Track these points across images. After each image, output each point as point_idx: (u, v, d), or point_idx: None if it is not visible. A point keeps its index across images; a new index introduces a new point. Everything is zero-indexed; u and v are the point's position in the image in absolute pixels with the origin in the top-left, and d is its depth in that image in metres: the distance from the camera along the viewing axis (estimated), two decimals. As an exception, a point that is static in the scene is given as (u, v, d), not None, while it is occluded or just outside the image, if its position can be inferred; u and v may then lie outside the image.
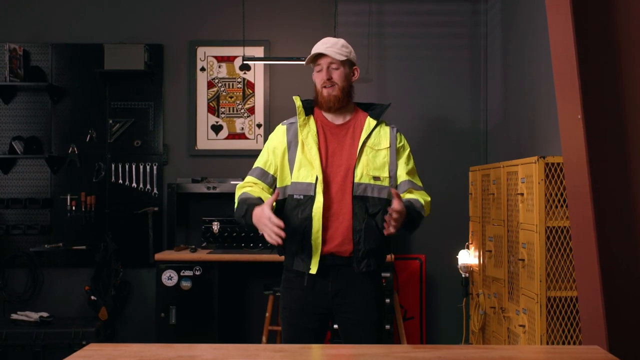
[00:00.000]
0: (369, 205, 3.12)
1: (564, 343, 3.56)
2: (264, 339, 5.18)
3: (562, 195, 3.56)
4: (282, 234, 2.88)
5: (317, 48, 3.20)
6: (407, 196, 3.18)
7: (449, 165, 5.93)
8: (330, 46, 3.19)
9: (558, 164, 3.57)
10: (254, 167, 3.30)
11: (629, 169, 2.58)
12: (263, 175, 3.25)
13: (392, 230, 2.91)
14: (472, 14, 6.03)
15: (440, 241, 5.82)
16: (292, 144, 3.22)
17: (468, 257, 5.12)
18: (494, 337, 4.52)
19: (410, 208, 3.02)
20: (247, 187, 3.22)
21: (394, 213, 2.86)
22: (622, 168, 2.58)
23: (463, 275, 5.15)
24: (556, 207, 3.58)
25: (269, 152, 3.28)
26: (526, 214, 3.77)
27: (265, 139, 5.82)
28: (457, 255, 5.19)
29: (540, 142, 4.58)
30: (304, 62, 5.23)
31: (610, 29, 2.61)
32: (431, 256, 5.92)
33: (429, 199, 3.26)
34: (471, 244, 5.15)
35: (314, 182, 3.11)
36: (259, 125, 5.95)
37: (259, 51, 5.93)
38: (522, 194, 3.83)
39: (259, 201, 3.05)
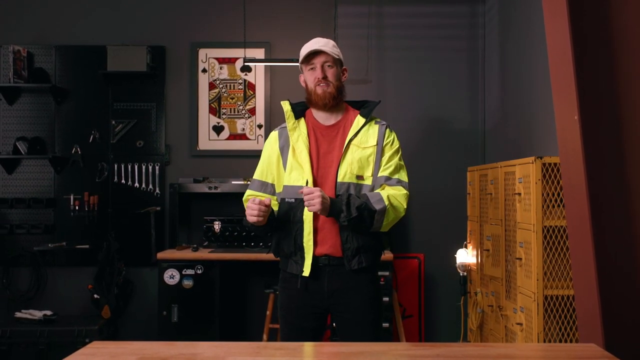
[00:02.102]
0: None
1: (560, 341, 3.56)
2: (264, 336, 5.20)
3: (559, 195, 3.55)
4: (263, 208, 2.97)
5: (311, 46, 3.18)
6: (375, 191, 3.15)
7: (448, 165, 5.94)
8: (323, 44, 3.18)
9: (555, 164, 3.56)
10: (254, 177, 3.33)
11: (625, 169, 2.57)
12: (262, 186, 3.28)
13: (311, 208, 2.96)
14: (470, 16, 6.04)
15: (439, 240, 5.84)
16: (284, 149, 3.23)
17: (466, 256, 5.11)
18: (492, 335, 4.52)
19: (349, 200, 3.02)
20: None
21: (304, 195, 2.95)
22: (618, 168, 2.58)
23: (461, 274, 5.13)
24: (553, 206, 3.58)
25: (264, 162, 3.31)
26: (523, 213, 3.77)
27: (266, 140, 5.88)
28: (456, 254, 5.18)
29: (538, 142, 4.58)
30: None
31: (606, 31, 2.60)
32: (430, 255, 5.94)
33: (402, 192, 3.14)
34: (469, 243, 5.15)
35: (304, 185, 3.10)
36: (259, 126, 5.97)
37: (259, 53, 5.95)
38: (519, 194, 3.83)
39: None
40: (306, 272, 3.11)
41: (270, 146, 3.30)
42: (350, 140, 3.15)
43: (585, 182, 2.48)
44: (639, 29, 2.61)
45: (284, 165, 3.22)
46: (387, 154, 3.19)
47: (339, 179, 3.10)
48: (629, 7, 2.61)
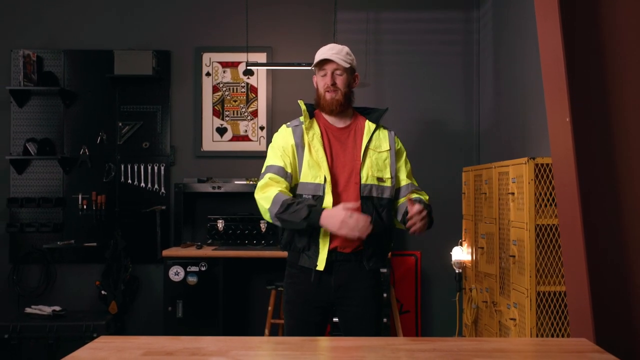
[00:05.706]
0: (376, 205, 3.19)
1: (552, 336, 3.60)
2: (266, 332, 5.24)
3: (551, 194, 3.61)
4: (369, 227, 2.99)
5: (324, 54, 3.23)
6: (413, 196, 3.25)
7: (444, 165, 5.99)
8: (336, 52, 3.22)
9: (547, 164, 3.60)
10: (269, 164, 3.24)
11: (615, 169, 2.60)
12: (284, 173, 3.20)
13: (419, 228, 3.04)
14: (465, 21, 6.11)
15: (435, 238, 5.81)
16: (299, 146, 3.22)
17: (461, 254, 5.18)
18: (486, 330, 4.58)
19: (426, 204, 3.14)
20: (273, 186, 3.16)
21: (417, 215, 3.03)
22: (609, 168, 2.60)
23: (456, 271, 5.21)
24: (545, 205, 3.62)
25: (278, 151, 3.24)
26: (517, 212, 3.82)
27: (268, 141, 5.85)
28: (451, 251, 5.25)
29: (530, 143, 4.63)
30: (305, 68, 5.26)
31: (597, 36, 2.63)
32: (426, 253, 6.00)
33: (427, 197, 3.33)
34: (464, 241, 5.22)
35: (322, 182, 3.14)
36: (261, 128, 6.04)
37: (261, 57, 6.01)
38: (513, 194, 3.88)
39: (315, 203, 3.10)
40: (320, 266, 3.15)
41: (285, 139, 3.26)
42: (367, 145, 3.25)
43: (577, 181, 2.51)
44: (629, 32, 2.64)
45: (299, 161, 3.22)
46: (401, 159, 3.36)
47: (363, 181, 3.18)
48: (619, 12, 2.64)
